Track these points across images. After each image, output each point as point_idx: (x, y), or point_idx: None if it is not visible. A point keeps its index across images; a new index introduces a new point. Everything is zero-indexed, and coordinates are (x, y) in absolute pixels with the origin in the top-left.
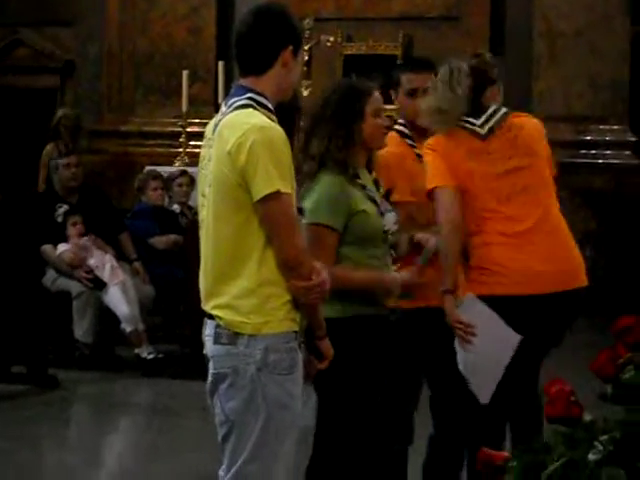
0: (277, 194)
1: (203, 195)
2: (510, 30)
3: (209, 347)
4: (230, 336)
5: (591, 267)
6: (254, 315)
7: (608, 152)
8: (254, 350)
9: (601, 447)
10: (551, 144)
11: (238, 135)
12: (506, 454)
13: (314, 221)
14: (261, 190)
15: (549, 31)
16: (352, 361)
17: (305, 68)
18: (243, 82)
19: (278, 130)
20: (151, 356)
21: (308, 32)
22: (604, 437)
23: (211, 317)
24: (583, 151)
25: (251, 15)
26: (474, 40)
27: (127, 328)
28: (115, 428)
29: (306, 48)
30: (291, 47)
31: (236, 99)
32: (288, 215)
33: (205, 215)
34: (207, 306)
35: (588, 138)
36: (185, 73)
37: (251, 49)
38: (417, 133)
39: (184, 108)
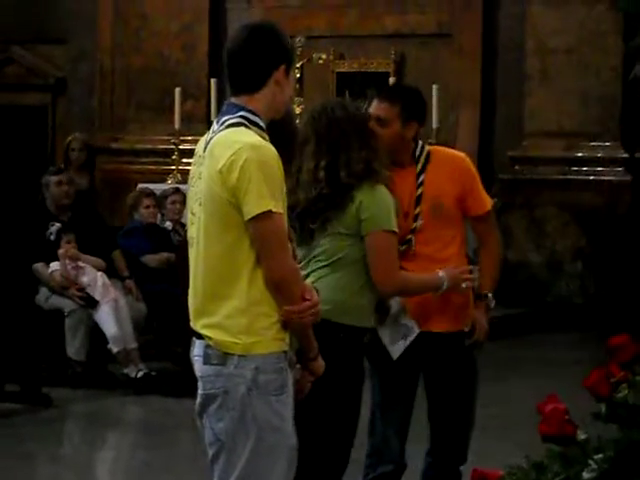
0: (269, 213)
1: (192, 213)
2: (502, 47)
3: (198, 367)
4: (220, 356)
5: (582, 284)
6: (244, 335)
7: (600, 169)
8: (244, 370)
9: (595, 466)
10: (542, 161)
11: (230, 153)
12: (501, 473)
13: (385, 228)
14: (252, 209)
15: (540, 48)
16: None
17: (297, 86)
18: (235, 100)
19: (270, 149)
20: (141, 374)
21: (300, 50)
22: (598, 456)
23: (200, 336)
24: (574, 168)
25: (243, 33)
26: (466, 57)
27: (114, 348)
28: (108, 446)
29: (298, 66)
30: (284, 66)
31: (228, 117)
32: (279, 235)
33: (195, 233)
34: (196, 325)
35: (579, 155)
36: (177, 90)
37: (244, 68)
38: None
39: (177, 125)
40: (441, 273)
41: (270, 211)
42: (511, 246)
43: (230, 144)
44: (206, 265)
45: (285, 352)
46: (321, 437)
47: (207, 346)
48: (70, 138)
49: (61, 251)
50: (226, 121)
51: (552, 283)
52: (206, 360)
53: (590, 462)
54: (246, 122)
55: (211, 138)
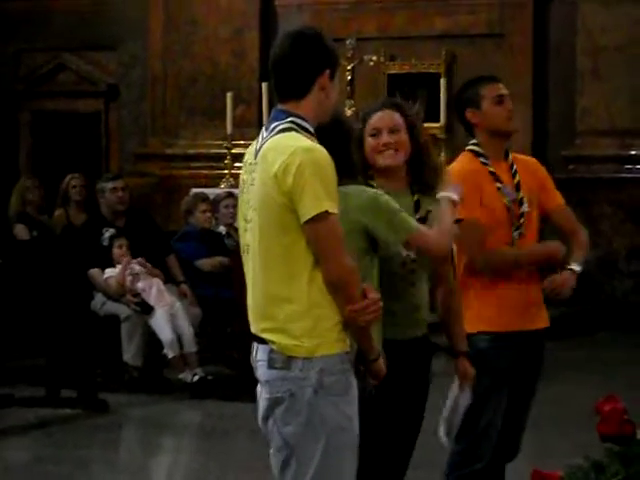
0: (325, 214)
1: (246, 220)
2: (553, 46)
3: (262, 372)
4: (284, 360)
5: (636, 283)
6: (307, 338)
7: None
8: (309, 373)
9: None
10: (596, 159)
11: (284, 158)
12: (560, 473)
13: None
14: (309, 211)
15: (592, 46)
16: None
17: (348, 88)
18: (283, 106)
19: (323, 151)
20: (197, 378)
21: (351, 52)
22: None
23: (261, 341)
24: (628, 166)
25: (286, 40)
26: (517, 57)
27: (169, 354)
28: (165, 450)
29: (349, 68)
30: (328, 71)
31: (277, 123)
32: (336, 235)
33: (250, 239)
34: (257, 330)
35: (632, 152)
36: (229, 95)
37: (288, 74)
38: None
39: (228, 130)
40: None
41: (326, 212)
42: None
43: (283, 149)
44: (265, 270)
45: (347, 353)
46: (382, 441)
47: (271, 350)
48: (70, 177)
49: (125, 259)
50: (276, 127)
51: (607, 282)
52: (270, 364)
53: None
54: (296, 127)
55: (262, 145)
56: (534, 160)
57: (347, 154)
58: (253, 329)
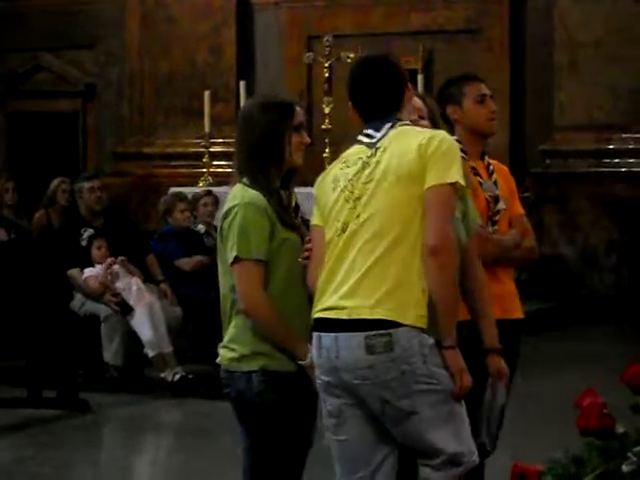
0: (454, 185)
1: (339, 220)
2: (530, 41)
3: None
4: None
5: (615, 277)
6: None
7: (631, 160)
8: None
9: (635, 458)
10: (573, 154)
11: (426, 135)
12: (540, 468)
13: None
14: (439, 178)
15: (569, 41)
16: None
17: (326, 85)
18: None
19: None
20: (177, 377)
21: (328, 49)
22: (638, 448)
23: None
24: (606, 160)
25: (369, 65)
26: (495, 52)
27: (150, 353)
28: (146, 450)
29: (326, 65)
30: (409, 86)
31: (389, 124)
32: (452, 206)
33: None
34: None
35: (611, 147)
36: (207, 93)
37: (382, 97)
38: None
39: (207, 128)
40: None
41: (457, 183)
42: (544, 240)
43: (421, 131)
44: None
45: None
46: None
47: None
48: (60, 180)
49: (108, 260)
50: (392, 126)
51: (586, 276)
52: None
53: (629, 455)
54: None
55: (382, 137)
56: (506, 168)
57: None
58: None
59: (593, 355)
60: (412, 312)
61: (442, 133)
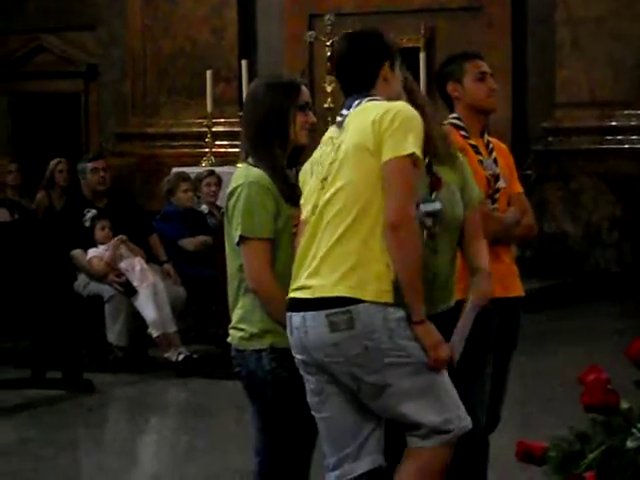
0: (409, 157)
1: (311, 202)
2: (532, 18)
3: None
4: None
5: (619, 253)
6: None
7: (634, 137)
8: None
9: (639, 434)
10: (576, 131)
11: (380, 110)
12: (545, 444)
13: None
14: (393, 151)
15: (570, 18)
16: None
17: (328, 63)
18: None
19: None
20: (182, 357)
21: (330, 28)
22: None
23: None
24: (608, 137)
25: (344, 42)
26: (496, 30)
27: (154, 333)
28: (151, 429)
29: (328, 44)
30: (387, 63)
31: (358, 101)
32: (409, 178)
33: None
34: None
35: (613, 124)
36: (209, 73)
37: (353, 74)
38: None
39: (209, 108)
40: None
41: (413, 154)
42: (547, 217)
43: (377, 106)
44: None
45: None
46: None
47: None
48: (57, 161)
49: (114, 241)
50: (359, 103)
51: (589, 253)
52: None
53: (634, 431)
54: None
55: (342, 121)
56: (506, 147)
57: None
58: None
59: (597, 332)
60: (373, 287)
61: (398, 106)
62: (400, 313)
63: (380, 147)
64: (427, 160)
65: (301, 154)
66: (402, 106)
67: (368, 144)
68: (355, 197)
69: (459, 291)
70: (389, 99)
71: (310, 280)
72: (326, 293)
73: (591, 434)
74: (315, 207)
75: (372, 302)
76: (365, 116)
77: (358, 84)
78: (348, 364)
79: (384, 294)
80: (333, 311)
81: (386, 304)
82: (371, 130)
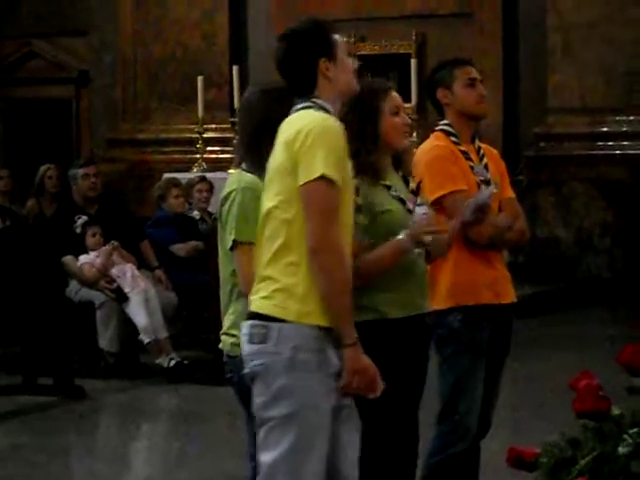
0: (320, 179)
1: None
2: (523, 24)
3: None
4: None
5: (609, 259)
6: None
7: (625, 143)
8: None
9: (631, 440)
10: (567, 137)
11: (296, 127)
12: (536, 450)
13: None
14: (306, 174)
15: (562, 23)
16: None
17: None
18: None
19: (335, 123)
20: (173, 362)
21: None
22: (633, 430)
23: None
24: (600, 143)
25: (280, 44)
26: (487, 36)
27: (145, 339)
28: (143, 435)
29: None
30: (323, 59)
31: (297, 106)
32: (325, 202)
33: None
34: None
35: (605, 129)
36: (200, 79)
37: (292, 77)
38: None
39: (200, 114)
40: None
41: (322, 176)
42: (539, 223)
43: (296, 121)
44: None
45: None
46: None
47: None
48: (46, 167)
49: (106, 248)
50: (296, 109)
51: (581, 259)
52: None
53: (625, 437)
54: (315, 105)
55: None
56: (497, 152)
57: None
58: None
59: (588, 337)
60: (295, 308)
61: (312, 123)
62: (319, 339)
63: (296, 169)
64: (401, 173)
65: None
66: (316, 123)
67: (286, 164)
68: (282, 219)
69: (452, 298)
70: (337, 94)
71: (252, 295)
72: (254, 308)
73: (582, 440)
74: (261, 222)
75: (292, 322)
76: (286, 131)
77: (298, 88)
78: (250, 377)
79: (306, 316)
80: (255, 323)
81: (307, 326)
82: (286, 150)
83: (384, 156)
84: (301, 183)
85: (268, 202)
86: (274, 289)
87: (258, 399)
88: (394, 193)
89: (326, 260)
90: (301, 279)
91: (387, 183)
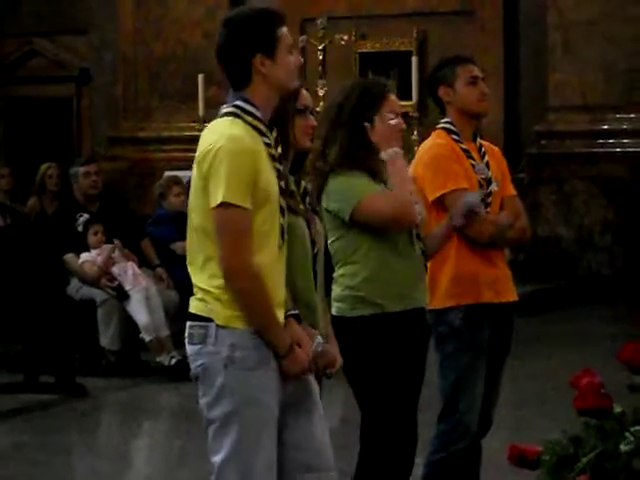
0: (224, 205)
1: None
2: (524, 22)
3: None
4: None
5: (611, 257)
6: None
7: (626, 141)
8: (221, 347)
9: (632, 438)
10: (568, 134)
11: (205, 145)
12: (538, 448)
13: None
14: (213, 200)
15: (562, 21)
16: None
17: (320, 68)
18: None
19: (242, 142)
20: (174, 361)
21: (322, 31)
22: (635, 428)
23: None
24: (600, 141)
25: (220, 31)
26: (488, 33)
27: (146, 337)
28: (144, 434)
29: (320, 47)
30: (259, 55)
31: (225, 106)
32: (230, 227)
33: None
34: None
35: (605, 127)
36: (201, 77)
37: (227, 67)
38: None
39: (201, 112)
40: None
41: (224, 203)
42: (540, 221)
43: (208, 136)
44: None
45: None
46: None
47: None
48: (47, 165)
49: (107, 247)
50: (222, 110)
51: (581, 257)
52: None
53: (627, 434)
54: (239, 111)
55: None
56: (498, 149)
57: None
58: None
59: (589, 335)
60: (225, 313)
61: (218, 142)
62: (255, 337)
63: (207, 190)
64: None
65: (305, 159)
66: (222, 142)
67: (200, 183)
68: (204, 233)
69: (453, 296)
70: (272, 94)
71: (192, 297)
72: (192, 309)
73: (584, 438)
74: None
75: (222, 326)
76: (201, 146)
77: (234, 80)
78: (194, 378)
79: (234, 320)
80: (194, 323)
81: (235, 329)
82: (198, 170)
83: (377, 157)
84: (211, 207)
85: (192, 213)
86: (204, 293)
87: (202, 400)
88: (390, 188)
89: (239, 285)
90: (226, 288)
91: (384, 180)
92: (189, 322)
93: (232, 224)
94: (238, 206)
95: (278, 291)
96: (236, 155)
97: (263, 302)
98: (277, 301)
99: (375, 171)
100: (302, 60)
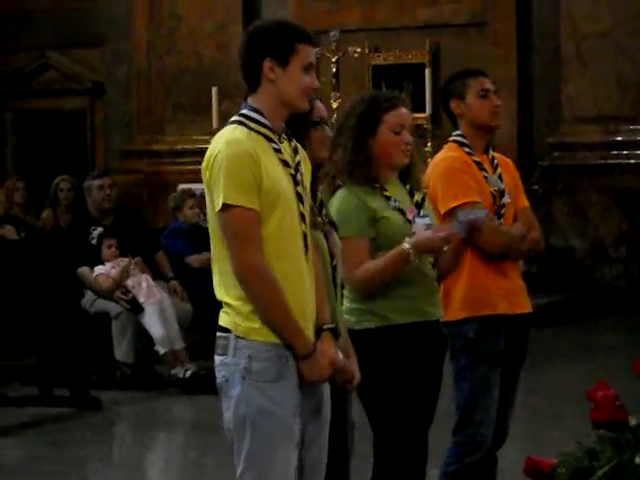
0: (226, 207)
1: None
2: (537, 33)
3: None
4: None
5: (625, 268)
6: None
7: (639, 152)
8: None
9: None
10: (582, 146)
11: (209, 152)
12: (553, 461)
13: (345, 235)
14: (217, 204)
15: (575, 33)
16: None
17: (334, 80)
18: (248, 98)
19: (241, 145)
20: (189, 373)
21: (335, 44)
22: None
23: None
24: (614, 152)
25: (242, 36)
26: (501, 45)
27: (161, 350)
28: (159, 446)
29: (333, 60)
30: (268, 60)
31: (231, 119)
32: (236, 228)
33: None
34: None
35: (618, 139)
36: (214, 90)
37: (241, 67)
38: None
39: (214, 125)
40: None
41: (226, 204)
42: (553, 232)
43: (214, 144)
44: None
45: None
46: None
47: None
48: (59, 179)
49: (126, 261)
50: (230, 121)
51: (595, 268)
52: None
53: None
54: (244, 119)
55: None
56: (511, 161)
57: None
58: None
59: (604, 347)
60: (244, 325)
61: (219, 148)
62: (275, 348)
63: (212, 198)
64: (408, 186)
65: (319, 169)
66: (222, 148)
67: (208, 192)
68: (219, 241)
69: (468, 308)
70: (280, 102)
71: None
72: (219, 320)
73: (600, 450)
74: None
75: (241, 338)
76: (207, 153)
77: (247, 82)
78: (218, 389)
79: (253, 332)
80: (219, 334)
81: (255, 341)
82: (204, 180)
83: (383, 169)
84: (215, 211)
85: (209, 225)
86: (227, 305)
87: (226, 414)
88: (393, 204)
89: (251, 286)
90: (244, 298)
91: (387, 194)
92: (217, 333)
93: (236, 224)
94: (239, 206)
95: (302, 300)
96: (234, 157)
97: (276, 300)
98: (304, 312)
99: (374, 178)
100: (318, 84)
